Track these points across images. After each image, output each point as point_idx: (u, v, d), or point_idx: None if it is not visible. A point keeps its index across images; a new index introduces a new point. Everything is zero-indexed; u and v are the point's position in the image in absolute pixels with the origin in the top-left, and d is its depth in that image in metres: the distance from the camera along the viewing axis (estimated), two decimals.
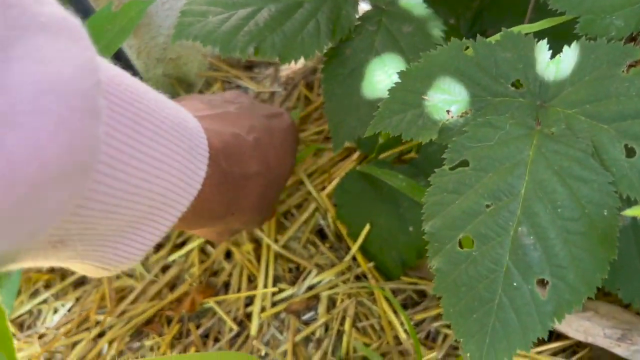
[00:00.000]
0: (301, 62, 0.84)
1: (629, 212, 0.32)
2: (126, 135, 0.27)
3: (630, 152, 0.37)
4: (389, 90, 0.42)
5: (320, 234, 0.75)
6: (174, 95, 0.87)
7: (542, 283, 0.36)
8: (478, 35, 0.42)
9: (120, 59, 0.69)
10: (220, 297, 0.72)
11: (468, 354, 0.35)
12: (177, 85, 0.83)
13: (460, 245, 0.37)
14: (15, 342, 0.72)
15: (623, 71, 0.39)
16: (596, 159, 0.37)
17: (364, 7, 0.57)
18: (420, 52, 0.52)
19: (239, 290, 0.73)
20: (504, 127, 0.39)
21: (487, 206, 0.37)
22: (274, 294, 0.71)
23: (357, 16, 0.56)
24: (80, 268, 0.33)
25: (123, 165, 0.27)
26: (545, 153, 0.38)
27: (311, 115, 0.82)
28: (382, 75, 0.52)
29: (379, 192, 0.68)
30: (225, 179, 0.41)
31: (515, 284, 0.36)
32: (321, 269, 0.71)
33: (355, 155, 0.74)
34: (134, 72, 0.73)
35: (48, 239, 0.27)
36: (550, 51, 0.41)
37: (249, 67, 0.87)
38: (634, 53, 0.39)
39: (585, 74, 0.40)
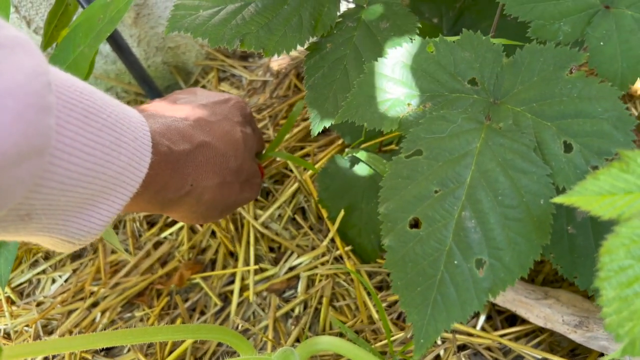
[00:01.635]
0: (293, 53, 0.88)
1: (559, 199, 0.36)
2: (77, 127, 0.33)
3: (568, 148, 0.41)
4: (356, 82, 0.46)
5: (302, 214, 0.79)
6: (172, 82, 0.91)
7: (480, 263, 0.40)
8: (440, 35, 0.46)
9: (121, 47, 0.73)
10: (207, 274, 0.76)
11: (411, 323, 0.40)
12: (176, 73, 0.87)
13: (410, 226, 0.41)
14: (14, 308, 0.77)
15: (567, 74, 0.42)
16: (538, 153, 0.41)
17: (344, 4, 0.61)
18: (395, 45, 0.56)
19: (224, 267, 0.78)
20: (456, 121, 0.42)
21: (436, 192, 0.41)
22: (256, 272, 0.75)
23: (338, 13, 0.59)
24: (48, 242, 0.38)
25: (76, 151, 0.33)
26: (491, 146, 0.42)
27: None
28: (359, 68, 0.56)
29: (361, 178, 0.72)
30: (173, 156, 0.46)
31: (456, 262, 0.40)
32: (302, 250, 0.76)
33: (338, 143, 0.78)
34: (135, 60, 0.77)
35: (16, 212, 0.32)
36: (505, 52, 0.45)
37: (244, 57, 0.91)
38: (578, 57, 0.42)
39: (534, 74, 0.43)
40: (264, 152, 0.71)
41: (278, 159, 0.80)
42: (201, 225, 0.80)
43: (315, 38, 0.59)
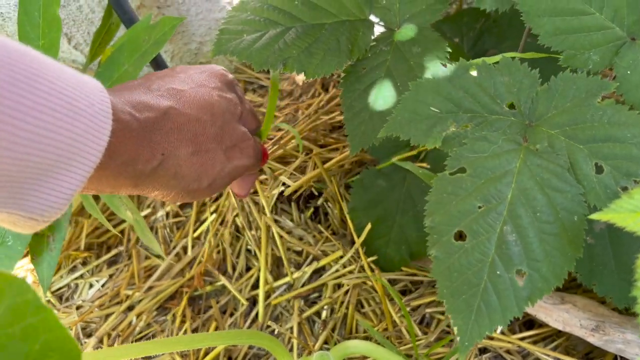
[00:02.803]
0: None
1: (594, 216, 0.40)
2: (22, 90, 0.32)
3: (599, 170, 0.45)
4: (401, 98, 0.50)
5: (326, 219, 0.83)
6: None
7: (520, 273, 0.44)
8: (482, 59, 0.50)
9: (158, 63, 0.76)
10: (219, 280, 0.80)
11: (456, 328, 0.43)
12: None
13: (455, 238, 0.45)
14: (55, 311, 0.80)
15: (598, 101, 0.46)
16: (571, 173, 0.45)
17: (378, 29, 0.65)
18: (427, 70, 0.60)
19: (248, 269, 0.81)
20: (497, 142, 0.46)
21: (479, 207, 0.45)
22: (280, 276, 0.79)
23: (372, 37, 0.63)
24: (7, 221, 0.37)
25: (21, 114, 0.32)
26: (529, 166, 0.46)
27: (323, 107, 0.89)
28: (393, 91, 0.60)
29: (395, 190, 0.75)
30: (137, 124, 0.42)
31: (498, 272, 0.43)
32: (326, 255, 0.79)
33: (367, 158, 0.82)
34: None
35: None
36: (540, 79, 0.49)
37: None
38: (607, 86, 0.46)
39: (567, 100, 0.47)
40: (261, 128, 0.64)
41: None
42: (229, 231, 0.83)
43: (351, 61, 0.62)
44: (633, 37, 0.47)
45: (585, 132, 0.46)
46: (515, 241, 0.44)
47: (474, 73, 0.49)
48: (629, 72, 0.47)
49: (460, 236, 0.45)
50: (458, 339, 0.42)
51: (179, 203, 0.47)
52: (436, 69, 0.60)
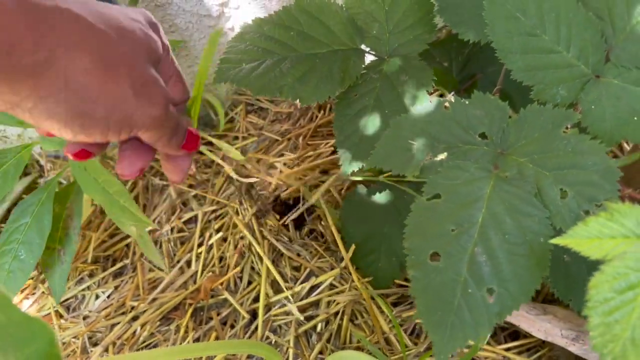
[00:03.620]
0: None
1: (554, 241, 0.44)
2: None
3: (564, 195, 0.49)
4: (384, 135, 0.54)
5: (321, 236, 0.87)
6: (204, 113, 0.99)
7: (491, 291, 0.47)
8: (455, 95, 0.54)
9: None
10: (220, 293, 0.84)
11: (433, 342, 0.47)
12: (208, 106, 0.95)
13: (430, 259, 0.49)
14: (62, 321, 0.85)
15: (563, 131, 0.50)
16: (538, 198, 0.49)
17: (369, 57, 0.69)
18: (414, 97, 0.64)
19: (249, 284, 0.85)
20: (469, 170, 0.50)
21: (453, 230, 0.49)
22: (279, 290, 0.83)
23: (363, 65, 0.67)
24: None
25: None
26: (499, 192, 0.50)
27: (320, 130, 0.94)
28: (381, 117, 0.64)
29: (382, 205, 0.79)
30: (28, 4, 0.35)
31: (470, 291, 0.47)
32: (322, 271, 0.83)
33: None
34: None
35: None
36: (510, 110, 0.53)
37: None
38: (572, 117, 0.50)
39: (535, 131, 0.51)
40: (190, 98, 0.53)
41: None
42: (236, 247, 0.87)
43: (343, 88, 0.67)
44: (597, 74, 0.51)
45: (551, 160, 0.50)
46: (486, 261, 0.48)
47: (448, 108, 0.53)
48: (593, 106, 0.51)
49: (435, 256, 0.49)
50: (424, 348, 0.46)
51: (68, 137, 0.38)
52: (422, 96, 0.64)
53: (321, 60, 0.65)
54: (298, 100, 0.63)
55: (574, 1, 0.51)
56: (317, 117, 0.95)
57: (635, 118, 0.49)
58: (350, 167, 0.64)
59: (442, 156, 0.53)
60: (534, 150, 0.51)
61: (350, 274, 0.81)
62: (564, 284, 0.66)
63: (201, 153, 0.97)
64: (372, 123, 0.65)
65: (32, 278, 0.89)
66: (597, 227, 0.42)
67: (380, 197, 0.79)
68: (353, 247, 0.79)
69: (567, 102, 0.52)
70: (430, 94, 0.81)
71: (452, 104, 0.54)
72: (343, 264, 0.82)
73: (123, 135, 0.41)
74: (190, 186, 0.94)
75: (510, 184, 0.50)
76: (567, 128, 0.50)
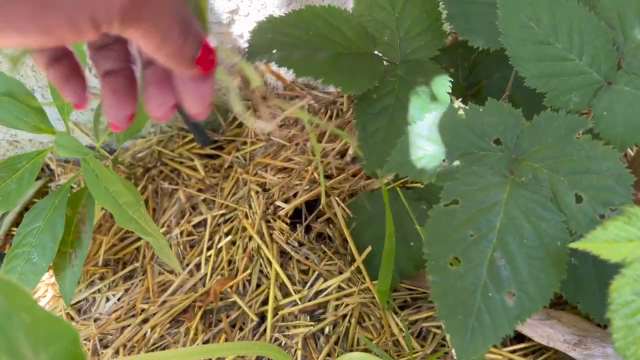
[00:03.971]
0: (320, 94, 0.97)
1: (573, 245, 0.45)
2: None
3: (579, 199, 0.50)
4: (398, 141, 0.55)
5: (329, 240, 0.88)
6: (213, 118, 1.00)
7: (510, 294, 0.49)
8: (469, 102, 0.55)
9: None
10: (243, 293, 0.85)
11: (454, 345, 0.48)
12: (216, 111, 0.96)
13: (451, 264, 0.50)
14: (73, 323, 0.85)
15: (577, 137, 0.51)
16: (554, 203, 0.50)
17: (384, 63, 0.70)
18: (433, 96, 0.65)
19: (257, 287, 0.86)
20: (485, 176, 0.52)
21: (471, 235, 0.50)
22: (287, 294, 0.84)
23: (382, 68, 0.68)
24: None
25: None
26: (516, 197, 0.51)
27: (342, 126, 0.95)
28: (403, 116, 0.65)
29: (384, 212, 0.80)
30: None
31: (490, 294, 0.48)
32: (330, 274, 0.84)
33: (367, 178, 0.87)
34: None
35: None
36: (524, 117, 0.54)
37: (278, 97, 1.00)
38: (585, 123, 0.51)
39: (549, 137, 0.52)
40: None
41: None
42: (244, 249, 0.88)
43: (374, 84, 0.67)
44: (609, 81, 0.53)
45: (565, 165, 0.51)
46: (505, 265, 0.49)
47: (462, 115, 0.54)
48: (605, 112, 0.52)
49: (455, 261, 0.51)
50: (455, 355, 0.47)
51: (28, 42, 0.28)
52: (442, 96, 0.64)
53: (347, 59, 0.66)
54: (340, 88, 0.63)
55: (586, 10, 0.52)
56: (335, 115, 0.96)
57: None
58: (372, 167, 0.64)
59: (457, 162, 0.54)
60: (549, 156, 0.52)
61: (360, 277, 0.82)
62: (572, 286, 0.68)
63: (211, 157, 0.98)
64: (393, 122, 0.65)
65: (43, 281, 0.90)
66: (615, 231, 0.44)
67: (383, 205, 0.80)
68: (368, 249, 0.80)
69: (580, 108, 0.53)
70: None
71: (466, 110, 0.55)
72: (354, 267, 0.83)
73: (103, 27, 0.29)
74: (200, 190, 0.94)
75: (526, 189, 0.51)
76: (580, 134, 0.52)
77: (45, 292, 0.88)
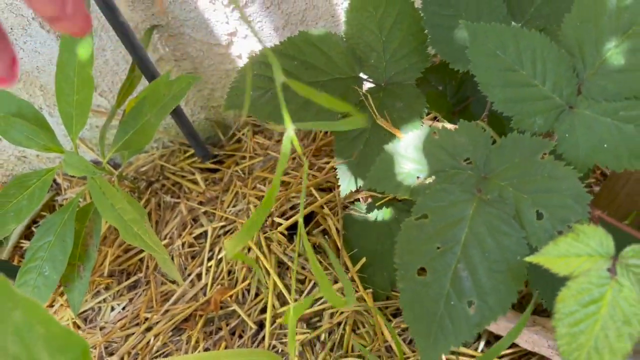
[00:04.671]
0: None
1: (529, 259, 0.49)
2: None
3: (539, 216, 0.53)
4: (378, 159, 0.59)
5: (324, 250, 0.92)
6: (213, 134, 1.05)
7: (471, 303, 0.52)
8: (441, 125, 0.59)
9: (176, 111, 0.87)
10: (242, 302, 0.89)
11: (419, 348, 0.52)
12: (216, 127, 1.01)
13: (418, 274, 0.54)
14: (79, 332, 0.90)
15: (541, 157, 0.55)
16: (517, 219, 0.54)
17: (367, 84, 0.74)
18: (407, 123, 0.69)
19: (256, 296, 0.90)
20: (454, 193, 0.55)
21: (438, 248, 0.54)
22: (284, 302, 0.88)
23: (361, 92, 0.73)
24: None
25: None
26: (481, 213, 0.54)
27: (324, 149, 0.99)
28: (378, 141, 0.69)
29: (377, 223, 0.85)
30: None
31: (452, 303, 0.52)
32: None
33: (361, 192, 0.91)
34: (184, 118, 0.91)
35: None
36: (492, 138, 0.58)
37: None
38: (548, 145, 0.55)
39: (515, 157, 0.56)
40: None
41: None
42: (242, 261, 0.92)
43: (343, 114, 0.72)
44: (570, 105, 0.56)
45: (529, 184, 0.54)
46: (467, 277, 0.52)
47: (436, 135, 0.58)
48: (567, 134, 0.55)
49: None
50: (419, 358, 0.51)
51: None
52: (415, 122, 0.69)
53: (323, 88, 0.71)
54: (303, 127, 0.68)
55: (548, 40, 0.56)
56: (319, 137, 1.01)
57: (605, 145, 0.54)
58: (349, 187, 0.69)
59: (430, 179, 0.58)
60: (514, 175, 0.55)
61: (354, 285, 0.86)
62: (550, 294, 0.71)
63: (211, 171, 1.03)
64: (369, 146, 0.70)
65: None
66: (565, 247, 0.47)
67: (374, 216, 0.84)
68: (363, 260, 0.84)
69: (544, 130, 0.57)
70: (427, 114, 0.87)
71: (439, 131, 0.59)
72: (348, 276, 0.87)
73: None
74: (200, 203, 0.99)
75: (491, 206, 0.55)
76: (544, 155, 0.55)
77: (53, 301, 0.94)
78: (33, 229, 1.03)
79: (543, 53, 0.56)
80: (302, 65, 0.74)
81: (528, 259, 0.48)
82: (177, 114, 0.88)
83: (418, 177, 0.58)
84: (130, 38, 0.79)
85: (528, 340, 0.76)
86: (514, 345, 0.81)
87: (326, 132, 1.00)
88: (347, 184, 0.70)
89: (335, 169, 0.73)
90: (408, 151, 0.59)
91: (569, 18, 0.55)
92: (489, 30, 0.58)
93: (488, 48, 0.58)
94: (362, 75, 0.75)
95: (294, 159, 0.98)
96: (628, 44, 0.52)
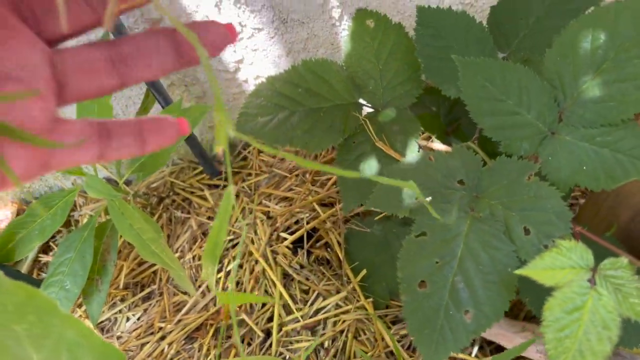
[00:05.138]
0: None
1: (518, 271, 0.54)
2: None
3: (527, 232, 0.59)
4: (377, 182, 0.65)
5: (327, 262, 0.98)
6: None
7: (468, 312, 0.58)
8: (437, 149, 0.65)
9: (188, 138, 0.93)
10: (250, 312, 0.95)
11: (423, 355, 0.58)
12: None
13: (419, 287, 0.60)
14: None
15: (527, 179, 0.61)
16: (507, 235, 0.60)
17: (366, 109, 0.80)
18: (404, 145, 0.75)
19: (263, 306, 0.96)
20: (450, 211, 0.61)
21: (437, 262, 0.60)
22: (290, 312, 0.94)
23: (361, 117, 0.79)
24: None
25: None
26: (475, 230, 0.60)
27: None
28: (377, 161, 0.75)
29: (376, 236, 0.91)
30: None
31: (451, 313, 0.58)
32: (328, 293, 0.94)
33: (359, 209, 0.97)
34: (193, 137, 0.97)
35: None
36: (482, 161, 0.64)
37: None
38: (533, 167, 0.61)
39: (503, 178, 0.62)
40: None
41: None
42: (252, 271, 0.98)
43: (343, 137, 0.78)
44: (553, 131, 0.62)
45: (517, 203, 0.61)
46: (464, 288, 0.58)
47: (432, 159, 0.64)
48: (550, 158, 0.62)
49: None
50: None
51: None
52: (411, 145, 0.75)
53: (325, 114, 0.77)
54: (306, 149, 0.74)
55: (531, 72, 0.62)
56: (322, 155, 1.06)
57: (585, 168, 0.60)
58: (350, 206, 0.75)
59: (427, 199, 0.64)
60: (503, 195, 0.62)
61: (355, 295, 0.92)
62: (539, 303, 0.77)
63: (219, 187, 1.08)
64: (369, 167, 0.76)
65: None
66: (550, 260, 0.53)
67: (373, 230, 0.90)
68: (364, 272, 0.90)
69: (530, 154, 0.63)
70: (422, 134, 0.93)
71: (435, 155, 0.65)
72: (350, 287, 0.92)
73: None
74: (209, 218, 1.04)
75: (484, 223, 0.61)
76: (530, 176, 0.61)
77: (72, 312, 0.99)
78: (51, 243, 1.08)
79: (527, 84, 0.62)
80: (305, 93, 0.79)
81: (517, 271, 0.54)
82: (188, 136, 0.93)
83: (416, 198, 0.64)
84: None
85: (517, 345, 0.82)
86: (501, 349, 0.87)
87: (328, 149, 1.06)
88: (349, 204, 0.76)
89: (337, 185, 0.79)
90: (406, 173, 0.65)
91: (550, 53, 0.61)
92: (478, 64, 0.64)
93: (477, 80, 0.64)
94: (361, 101, 0.81)
95: (297, 175, 1.04)
96: (601, 78, 0.59)
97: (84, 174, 0.82)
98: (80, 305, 0.99)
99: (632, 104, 0.58)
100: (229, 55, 0.91)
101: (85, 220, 1.03)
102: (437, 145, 0.74)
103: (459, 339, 0.58)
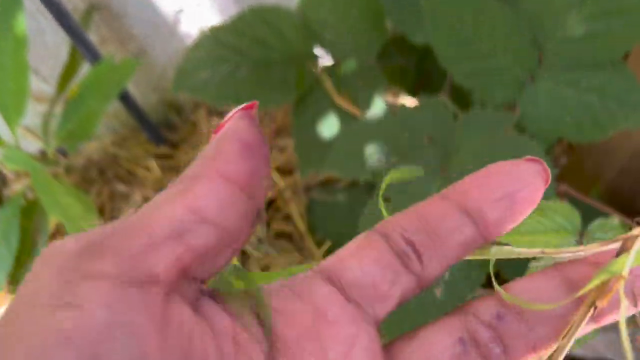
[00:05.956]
0: None
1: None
2: None
3: None
4: (336, 143, 0.57)
5: (289, 237, 0.90)
6: (165, 116, 1.00)
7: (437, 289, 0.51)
8: (402, 104, 0.57)
9: (123, 96, 0.82)
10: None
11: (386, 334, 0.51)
12: (169, 109, 0.96)
13: None
14: None
15: (504, 132, 0.54)
16: None
17: (323, 62, 0.71)
18: (368, 101, 0.67)
19: None
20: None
21: None
22: None
23: (317, 70, 0.70)
24: None
25: None
26: None
27: (285, 130, 0.97)
28: (337, 120, 0.67)
29: (341, 205, 0.83)
30: None
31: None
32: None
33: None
34: (133, 101, 0.87)
35: None
36: (455, 115, 0.56)
37: None
38: (511, 119, 0.54)
39: (478, 132, 0.54)
40: None
41: None
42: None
43: (298, 93, 0.69)
44: (532, 76, 0.55)
45: (493, 159, 0.53)
46: None
47: (397, 114, 0.56)
48: (529, 107, 0.54)
49: None
50: None
51: None
52: (376, 101, 0.67)
53: (276, 66, 0.68)
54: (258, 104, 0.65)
55: (507, 10, 0.54)
56: (279, 117, 0.97)
57: (568, 117, 0.53)
58: (307, 170, 0.66)
59: (393, 160, 0.56)
60: (477, 151, 0.54)
61: None
62: (520, 274, 0.71)
63: (166, 157, 0.98)
64: (328, 127, 0.67)
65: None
66: (532, 224, 0.46)
67: (337, 199, 0.82)
68: (328, 244, 0.82)
69: (506, 101, 0.55)
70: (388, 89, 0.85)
71: (400, 110, 0.57)
72: (315, 261, 0.85)
73: None
74: (157, 190, 0.95)
75: None
76: (507, 129, 0.54)
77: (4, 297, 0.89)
78: None
79: (502, 24, 0.54)
80: (252, 43, 0.70)
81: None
82: (124, 97, 0.83)
83: (379, 158, 0.56)
84: (66, 19, 0.73)
85: None
86: None
87: (287, 111, 0.97)
88: (307, 166, 0.68)
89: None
90: (368, 131, 0.57)
91: None
92: (447, 3, 0.55)
93: (446, 21, 0.55)
94: (317, 52, 0.72)
95: None
96: (587, 11, 0.51)
97: (2, 144, 0.72)
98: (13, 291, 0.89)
99: (620, 41, 0.51)
100: (167, 4, 0.81)
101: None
102: (406, 100, 0.66)
103: (429, 315, 0.50)
